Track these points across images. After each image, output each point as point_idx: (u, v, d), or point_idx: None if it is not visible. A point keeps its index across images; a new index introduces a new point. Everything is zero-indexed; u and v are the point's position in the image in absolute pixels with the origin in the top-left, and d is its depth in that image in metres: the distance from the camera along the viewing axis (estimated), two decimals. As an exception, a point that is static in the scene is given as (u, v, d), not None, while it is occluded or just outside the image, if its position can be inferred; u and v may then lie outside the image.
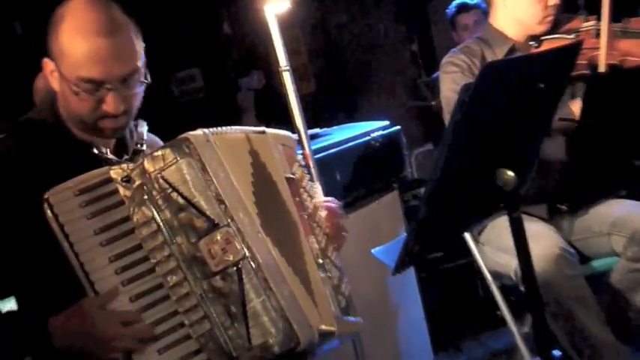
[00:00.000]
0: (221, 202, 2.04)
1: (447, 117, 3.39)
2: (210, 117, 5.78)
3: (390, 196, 4.03)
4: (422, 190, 4.86)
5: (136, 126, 2.36)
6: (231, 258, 2.01)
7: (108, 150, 2.24)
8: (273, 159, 2.34)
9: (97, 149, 2.22)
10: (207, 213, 2.02)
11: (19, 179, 2.12)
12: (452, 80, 3.39)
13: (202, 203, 2.02)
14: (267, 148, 2.34)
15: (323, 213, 2.49)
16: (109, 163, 2.17)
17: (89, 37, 2.11)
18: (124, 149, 2.33)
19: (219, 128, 2.18)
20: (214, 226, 2.02)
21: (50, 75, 2.21)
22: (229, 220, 2.03)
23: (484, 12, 4.59)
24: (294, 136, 2.62)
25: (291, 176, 2.41)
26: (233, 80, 6.71)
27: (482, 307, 4.15)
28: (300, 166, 2.51)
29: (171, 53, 6.09)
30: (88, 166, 2.08)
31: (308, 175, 2.53)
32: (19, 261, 2.11)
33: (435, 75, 5.20)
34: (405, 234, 3.89)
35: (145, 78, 2.23)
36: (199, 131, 2.11)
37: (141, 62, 2.20)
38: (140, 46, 2.21)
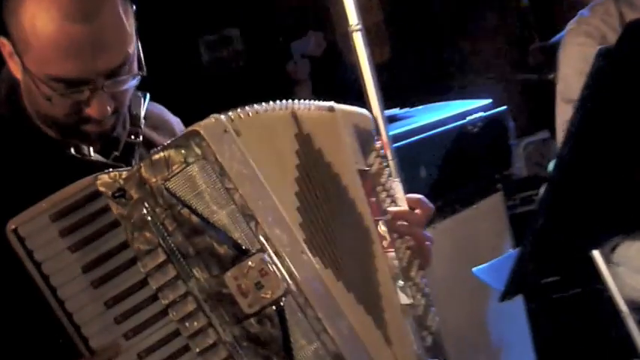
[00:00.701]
0: (250, 217, 1.95)
1: (561, 105, 3.44)
2: (252, 92, 5.82)
3: (491, 200, 4.15)
4: (533, 192, 4.85)
5: (130, 106, 2.30)
6: (268, 295, 1.94)
7: (92, 148, 2.20)
8: (339, 145, 2.27)
9: (75, 148, 2.18)
10: (233, 235, 1.94)
11: None
12: (579, 55, 3.37)
13: (225, 221, 1.95)
14: (331, 131, 2.27)
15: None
16: (94, 167, 2.09)
17: (59, 21, 2.02)
18: (114, 143, 2.27)
19: (244, 108, 2.06)
20: (243, 253, 1.94)
21: (9, 58, 2.15)
22: (264, 242, 1.95)
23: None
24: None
25: (366, 169, 2.35)
26: (283, 44, 6.73)
27: (612, 347, 4.10)
28: (379, 156, 2.46)
29: (201, 8, 6.11)
30: (65, 173, 1.99)
31: (388, 169, 2.48)
32: None
33: (553, 39, 5.17)
34: (511, 249, 3.89)
35: (140, 68, 2.17)
36: (212, 118, 1.99)
37: (132, 47, 2.12)
38: (131, 24, 2.13)
